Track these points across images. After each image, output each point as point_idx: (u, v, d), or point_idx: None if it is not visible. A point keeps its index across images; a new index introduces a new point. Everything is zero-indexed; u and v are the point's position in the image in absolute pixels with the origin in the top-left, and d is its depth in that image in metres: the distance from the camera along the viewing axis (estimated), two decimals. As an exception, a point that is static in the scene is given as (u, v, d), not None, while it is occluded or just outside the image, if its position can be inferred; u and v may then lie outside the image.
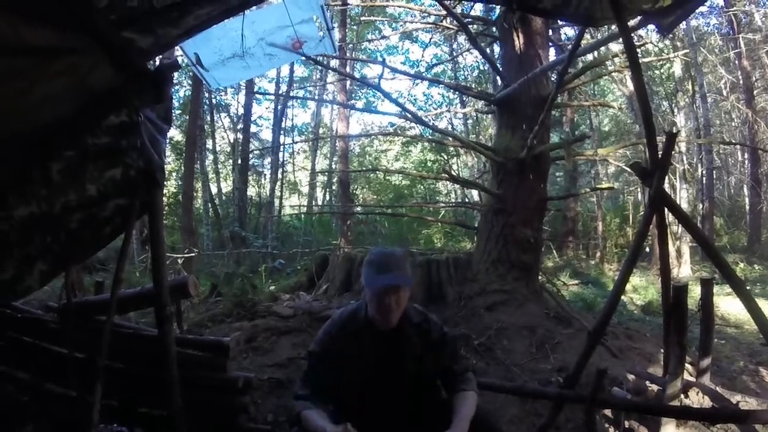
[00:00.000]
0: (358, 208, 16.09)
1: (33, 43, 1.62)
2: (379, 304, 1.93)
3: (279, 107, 18.26)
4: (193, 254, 9.60)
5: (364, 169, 19.31)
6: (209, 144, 17.89)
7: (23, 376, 2.88)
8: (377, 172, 18.34)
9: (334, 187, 19.81)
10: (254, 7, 3.78)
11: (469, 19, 7.58)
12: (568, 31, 10.93)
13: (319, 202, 21.82)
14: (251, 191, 19.43)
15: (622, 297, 8.30)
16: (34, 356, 2.93)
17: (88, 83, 2.02)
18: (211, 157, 18.31)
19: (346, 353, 1.99)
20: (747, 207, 15.69)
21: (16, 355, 2.95)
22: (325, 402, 1.97)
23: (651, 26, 3.24)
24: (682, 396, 2.93)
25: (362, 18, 13.12)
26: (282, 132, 18.99)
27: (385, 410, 2.02)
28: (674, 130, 3.54)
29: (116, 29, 1.83)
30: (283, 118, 18.99)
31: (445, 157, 17.67)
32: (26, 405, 2.79)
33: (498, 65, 6.78)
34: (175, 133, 16.65)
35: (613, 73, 10.20)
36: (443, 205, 14.52)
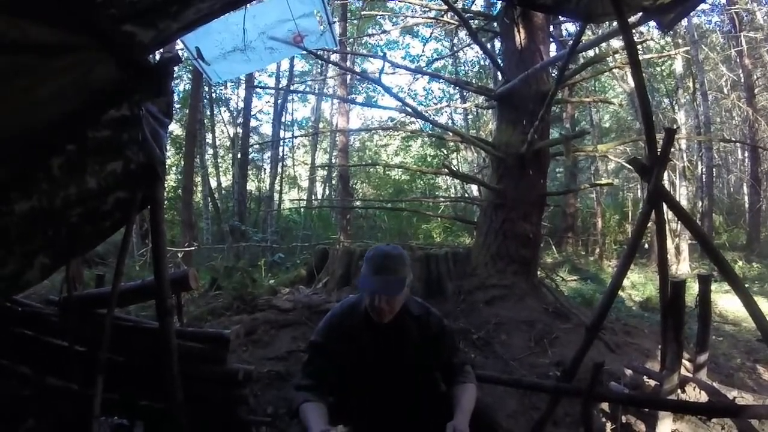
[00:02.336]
0: (358, 203, 16.13)
1: (35, 41, 1.62)
2: (371, 305, 1.96)
3: (279, 101, 18.19)
4: (192, 248, 9.62)
5: (363, 163, 19.31)
6: (209, 138, 17.86)
7: (24, 370, 2.88)
8: (377, 166, 18.36)
9: (333, 182, 19.80)
10: (255, 1, 3.79)
11: (470, 14, 7.58)
12: (569, 27, 10.88)
13: (319, 197, 21.81)
14: (251, 185, 19.40)
15: (621, 293, 8.37)
16: (35, 350, 2.94)
17: (91, 80, 2.02)
18: (210, 151, 18.28)
19: (346, 345, 2.01)
20: (746, 205, 15.70)
21: (17, 349, 2.96)
22: (325, 393, 1.97)
23: (652, 23, 3.24)
24: (679, 391, 2.95)
25: (363, 12, 13.07)
26: (282, 126, 18.93)
27: (384, 402, 2.03)
28: (674, 127, 3.55)
29: (116, 24, 1.83)
30: (283, 113, 18.92)
31: (445, 152, 17.64)
32: (27, 399, 2.80)
33: (498, 60, 6.78)
34: (174, 127, 16.56)
35: (613, 70, 10.19)
36: (443, 199, 14.51)
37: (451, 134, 9.28)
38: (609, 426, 3.13)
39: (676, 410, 2.88)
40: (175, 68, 2.45)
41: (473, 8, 8.77)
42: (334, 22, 4.85)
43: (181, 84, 15.79)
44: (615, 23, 3.26)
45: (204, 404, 2.77)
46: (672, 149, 3.07)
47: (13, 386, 2.83)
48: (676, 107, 13.36)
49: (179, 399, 2.46)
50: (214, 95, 17.37)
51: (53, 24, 1.62)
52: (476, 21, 7.89)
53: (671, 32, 11.46)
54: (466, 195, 15.58)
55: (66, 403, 2.74)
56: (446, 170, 6.98)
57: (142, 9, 1.81)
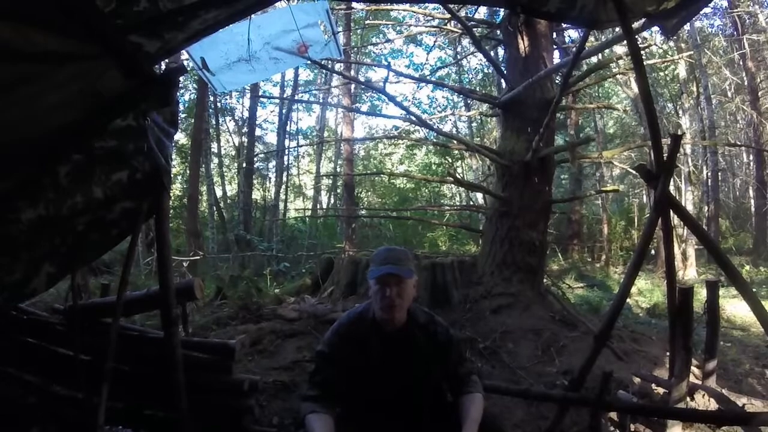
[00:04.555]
0: (363, 212, 16.13)
1: (43, 50, 1.63)
2: (382, 296, 1.95)
3: (284, 111, 18.32)
4: (198, 257, 9.64)
5: (368, 172, 19.36)
6: (214, 147, 17.96)
7: (30, 377, 2.89)
8: (382, 175, 18.38)
9: (338, 191, 19.87)
10: (260, 12, 3.81)
11: (473, 23, 7.59)
12: (573, 34, 10.94)
13: (324, 206, 21.87)
14: (256, 194, 19.48)
15: (628, 300, 8.28)
16: (40, 358, 2.94)
17: (97, 89, 2.03)
18: (216, 160, 18.38)
19: (353, 354, 1.99)
20: (752, 209, 15.64)
21: (23, 356, 2.96)
22: (333, 403, 1.95)
23: (655, 28, 3.24)
24: (688, 399, 2.92)
25: (367, 22, 13.16)
26: (287, 135, 19.05)
27: (391, 411, 2.02)
28: (679, 132, 3.54)
29: (123, 34, 1.84)
30: (288, 122, 19.07)
31: (450, 160, 17.67)
32: (33, 406, 2.80)
33: (502, 68, 6.79)
34: (180, 137, 16.69)
35: (617, 76, 10.19)
36: (448, 208, 14.49)
37: (455, 142, 9.29)
38: (618, 435, 3.10)
39: (686, 419, 2.85)
40: (181, 78, 2.46)
41: (476, 16, 8.76)
42: (339, 32, 4.87)
43: (187, 93, 15.94)
44: (618, 29, 3.26)
45: (209, 414, 2.76)
46: (677, 154, 3.05)
47: (18, 394, 2.83)
48: (680, 112, 13.38)
49: (184, 408, 2.45)
50: (219, 105, 17.48)
51: (60, 33, 1.63)
52: (479, 29, 7.90)
53: (674, 37, 11.47)
54: (471, 203, 15.57)
55: (71, 412, 2.73)
56: (451, 178, 6.97)
57: (148, 19, 1.82)
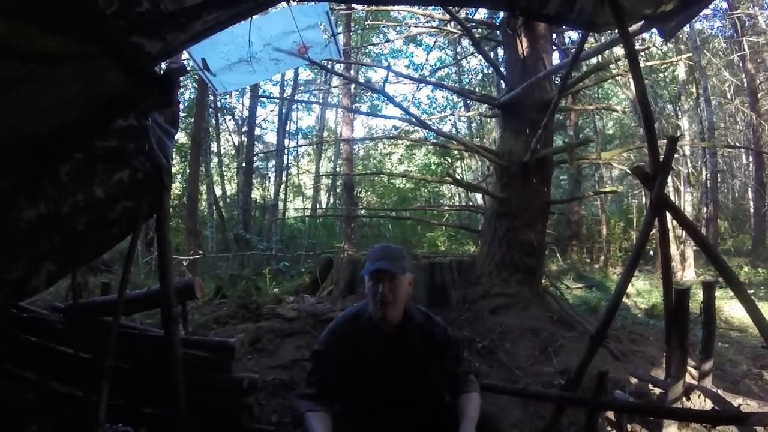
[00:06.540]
0: (362, 211, 16.12)
1: (44, 49, 1.64)
2: (375, 293, 1.96)
3: (283, 110, 18.31)
4: (197, 256, 9.65)
5: (368, 172, 19.35)
6: (214, 147, 17.95)
7: (29, 375, 2.90)
8: (381, 175, 18.38)
9: (338, 190, 19.87)
10: (261, 14, 3.83)
11: (473, 23, 7.62)
12: (572, 35, 10.96)
13: (323, 205, 21.86)
14: (255, 194, 19.49)
15: (626, 300, 8.34)
16: (39, 356, 2.95)
17: (99, 89, 2.05)
18: (215, 159, 18.36)
19: (349, 353, 2.00)
20: (751, 210, 15.65)
21: (22, 354, 2.97)
22: (329, 402, 1.96)
23: (655, 29, 3.26)
24: (684, 399, 2.94)
25: (367, 22, 13.16)
26: (286, 135, 19.05)
27: (388, 410, 2.02)
28: (677, 134, 3.56)
29: (125, 35, 1.86)
30: (288, 122, 19.06)
31: (449, 161, 17.67)
32: (32, 404, 2.81)
33: (501, 69, 6.80)
34: (180, 136, 16.65)
35: (616, 77, 10.20)
36: (447, 208, 14.49)
37: (454, 143, 9.29)
38: (614, 434, 3.12)
39: (681, 419, 2.86)
40: (181, 78, 2.47)
41: (476, 17, 8.79)
42: (338, 33, 4.89)
43: (187, 93, 15.93)
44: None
45: (209, 412, 2.77)
46: (676, 155, 3.07)
47: (18, 391, 2.84)
48: (680, 113, 13.39)
49: (184, 407, 2.46)
50: (219, 104, 17.47)
51: (62, 33, 1.64)
52: (479, 30, 7.92)
53: (673, 39, 11.49)
54: (470, 203, 15.59)
55: (70, 409, 2.75)
56: (450, 179, 6.99)
57: (150, 20, 1.84)
